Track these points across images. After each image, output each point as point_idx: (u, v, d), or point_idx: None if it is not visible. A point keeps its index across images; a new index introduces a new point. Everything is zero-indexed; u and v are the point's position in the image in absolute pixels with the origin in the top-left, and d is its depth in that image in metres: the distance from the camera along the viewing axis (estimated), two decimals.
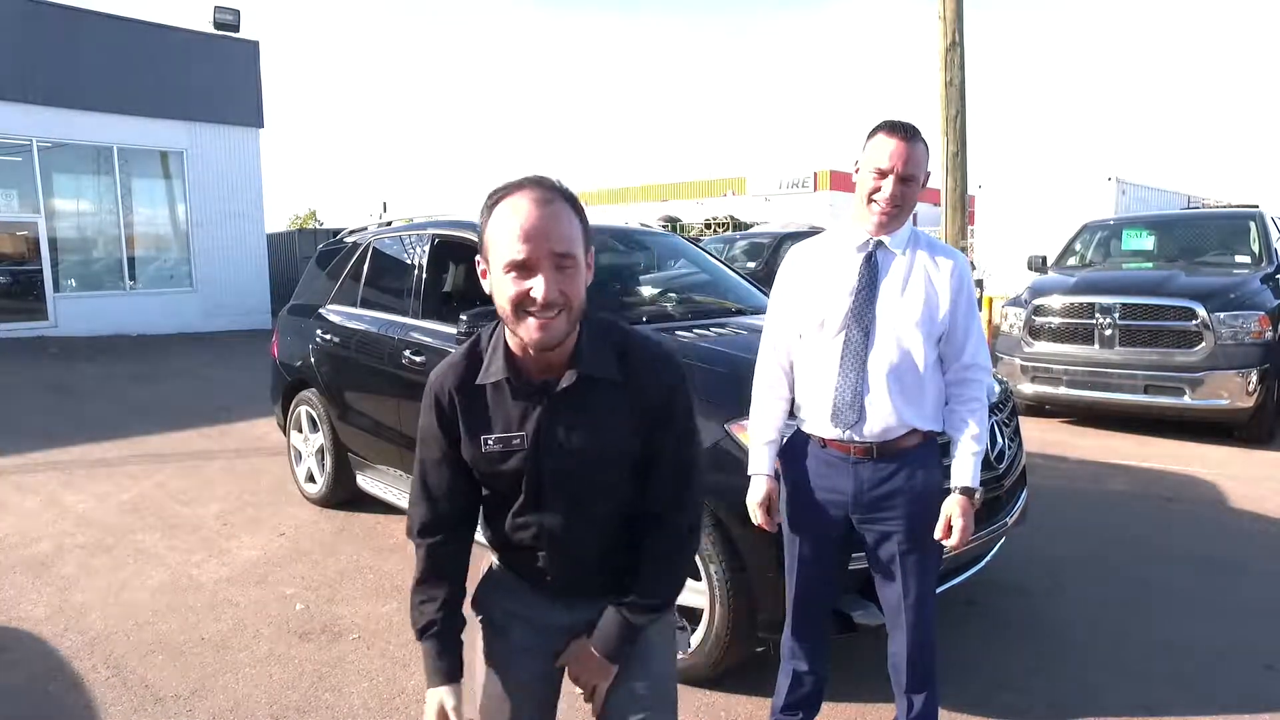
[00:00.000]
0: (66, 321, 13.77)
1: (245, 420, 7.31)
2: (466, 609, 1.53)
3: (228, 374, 10.28)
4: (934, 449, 2.09)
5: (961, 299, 2.02)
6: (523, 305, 1.25)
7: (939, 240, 2.18)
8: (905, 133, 1.96)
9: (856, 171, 2.05)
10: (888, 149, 1.95)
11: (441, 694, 1.42)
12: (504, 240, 1.24)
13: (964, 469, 2.04)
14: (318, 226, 31.67)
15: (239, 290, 15.50)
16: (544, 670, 1.51)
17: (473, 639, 1.53)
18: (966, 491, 2.03)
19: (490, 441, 1.36)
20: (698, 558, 2.61)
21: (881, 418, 2.00)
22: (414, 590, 1.48)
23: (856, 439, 2.03)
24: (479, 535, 1.56)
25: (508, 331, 1.34)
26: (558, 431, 1.35)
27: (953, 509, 2.02)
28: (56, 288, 14.05)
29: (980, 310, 9.05)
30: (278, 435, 6.25)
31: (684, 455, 1.44)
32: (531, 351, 1.32)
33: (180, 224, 15.35)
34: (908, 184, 1.97)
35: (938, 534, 2.04)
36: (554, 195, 1.25)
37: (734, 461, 2.56)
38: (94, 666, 2.92)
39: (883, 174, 1.97)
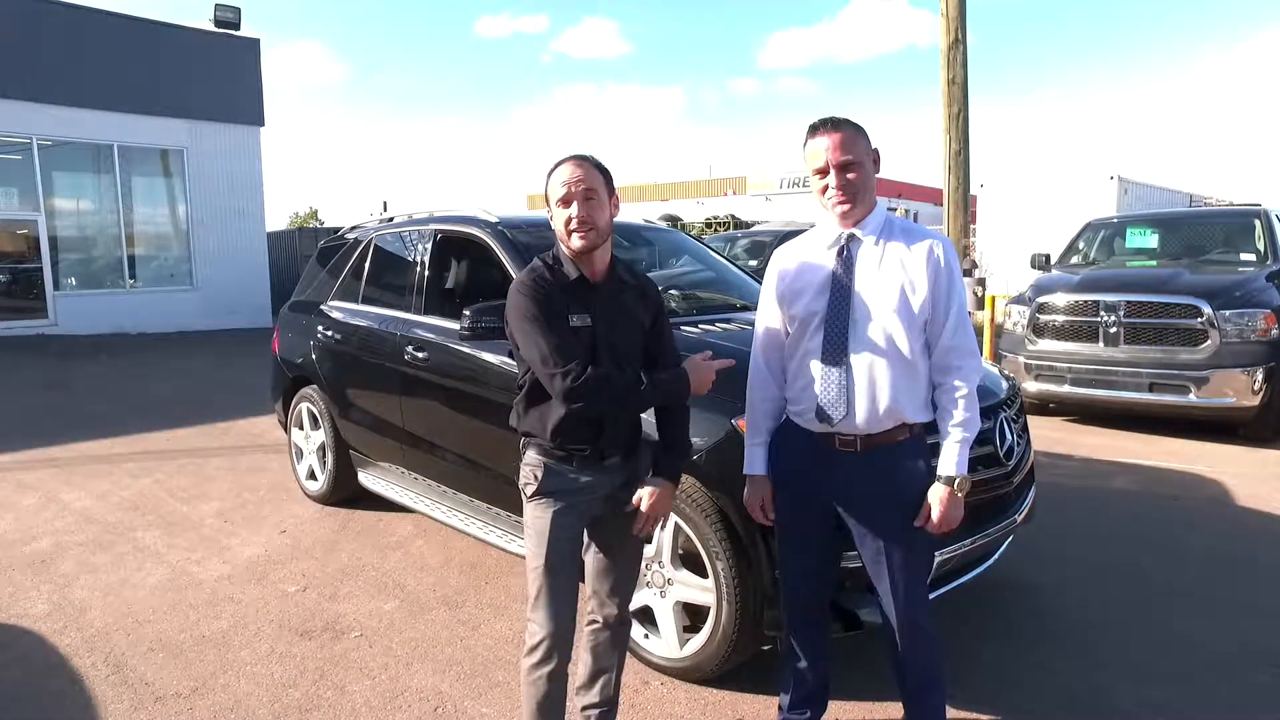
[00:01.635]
0: (66, 320, 13.75)
1: (245, 418, 7.28)
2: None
3: (228, 373, 10.26)
4: (922, 442, 2.09)
5: (940, 282, 2.01)
6: (568, 225, 1.97)
7: (917, 225, 2.18)
8: (827, 126, 2.03)
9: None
10: (818, 147, 2.02)
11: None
12: (556, 185, 1.99)
13: (948, 457, 2.04)
14: (318, 225, 31.65)
15: (240, 289, 15.46)
16: (582, 529, 2.13)
17: (536, 518, 2.06)
18: (948, 481, 2.02)
19: (574, 318, 1.98)
20: (704, 554, 2.59)
21: (867, 409, 2.01)
22: (619, 384, 1.95)
23: (844, 431, 2.04)
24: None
25: (563, 250, 2.04)
26: (608, 310, 2.04)
27: (934, 497, 2.03)
28: (56, 286, 14.03)
29: (983, 309, 9.02)
30: (277, 433, 6.23)
31: (672, 342, 2.21)
32: (577, 257, 2.01)
33: (181, 222, 15.32)
34: (849, 170, 2.01)
35: (918, 521, 2.04)
36: (585, 161, 2.03)
37: (740, 457, 2.53)
38: (94, 664, 2.90)
39: (822, 171, 2.02)
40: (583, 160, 2.01)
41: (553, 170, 2.02)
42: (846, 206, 2.02)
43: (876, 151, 2.08)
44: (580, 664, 2.22)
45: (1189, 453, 5.71)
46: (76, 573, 3.75)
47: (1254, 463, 5.46)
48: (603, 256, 2.04)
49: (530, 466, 2.09)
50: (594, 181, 1.98)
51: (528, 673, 2.04)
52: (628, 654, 2.36)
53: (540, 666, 2.02)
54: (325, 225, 27.84)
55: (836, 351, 2.02)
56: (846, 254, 2.06)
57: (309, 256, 5.47)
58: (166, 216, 15.44)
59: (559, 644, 2.03)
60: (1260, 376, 5.71)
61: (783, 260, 2.19)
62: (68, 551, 4.02)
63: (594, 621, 2.20)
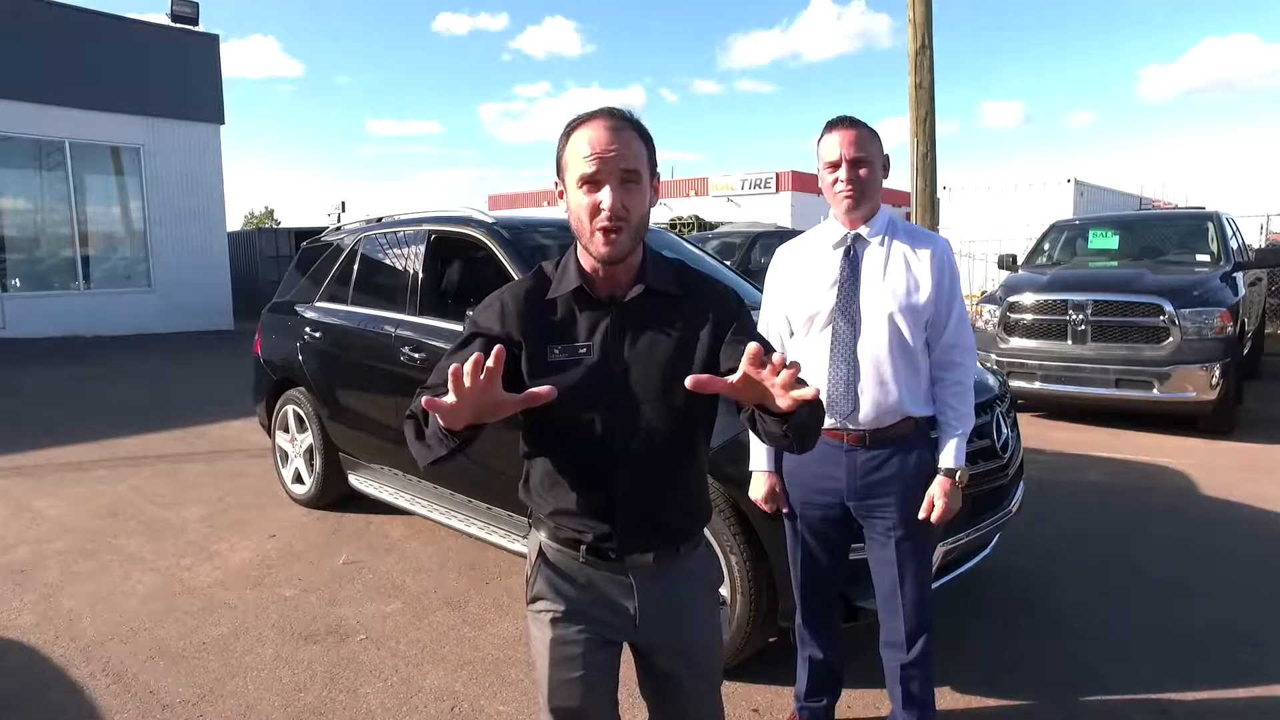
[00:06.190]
0: (15, 323, 13.24)
1: (217, 422, 7.13)
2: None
3: (193, 375, 10.01)
4: (925, 434, 2.17)
5: (944, 283, 2.10)
6: (593, 215, 1.31)
7: (919, 227, 2.26)
8: (845, 123, 2.08)
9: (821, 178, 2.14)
10: (833, 142, 2.07)
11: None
12: (578, 158, 1.31)
13: (948, 450, 2.13)
14: (276, 225, 30.96)
15: (199, 290, 15.04)
16: (608, 659, 1.48)
17: (531, 634, 1.50)
18: (949, 473, 2.12)
19: (557, 350, 1.37)
20: (718, 549, 2.63)
21: (873, 405, 2.08)
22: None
23: (850, 427, 2.12)
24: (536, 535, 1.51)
25: (579, 251, 1.41)
26: (625, 339, 1.39)
27: (935, 489, 2.11)
28: (3, 288, 13.51)
29: None
30: (254, 437, 6.11)
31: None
32: (600, 265, 1.37)
33: (136, 222, 14.85)
34: (860, 166, 2.07)
35: (920, 513, 2.12)
36: (623, 122, 1.33)
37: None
38: (93, 674, 2.83)
39: (834, 165, 2.08)
40: (621, 120, 1.33)
41: (574, 129, 1.33)
42: (851, 202, 2.07)
43: (887, 158, 2.15)
44: None
45: (1153, 446, 5.94)
46: (61, 582, 3.64)
47: (1212, 454, 5.71)
48: (630, 263, 1.38)
49: (529, 556, 1.52)
50: (636, 159, 1.31)
51: None
52: None
53: None
54: (283, 226, 27.25)
55: (844, 348, 2.09)
56: (853, 253, 2.12)
57: (270, 257, 5.39)
58: (122, 216, 14.97)
59: None
60: (1217, 372, 5.96)
61: (787, 260, 2.24)
62: (48, 560, 3.90)
63: None
